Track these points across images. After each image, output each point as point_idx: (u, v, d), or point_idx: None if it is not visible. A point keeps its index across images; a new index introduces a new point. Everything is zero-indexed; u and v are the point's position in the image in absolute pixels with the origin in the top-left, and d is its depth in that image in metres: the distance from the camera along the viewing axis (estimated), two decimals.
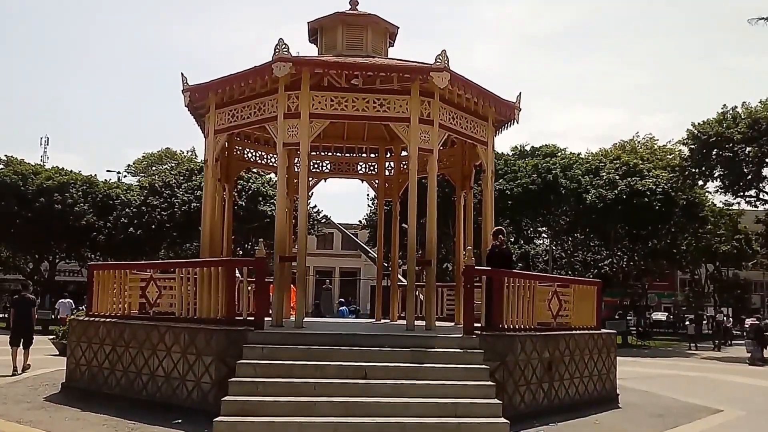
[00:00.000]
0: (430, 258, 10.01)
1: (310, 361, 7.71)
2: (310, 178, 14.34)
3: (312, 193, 34.71)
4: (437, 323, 10.43)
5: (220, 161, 12.41)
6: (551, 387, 9.17)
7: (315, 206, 36.20)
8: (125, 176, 46.07)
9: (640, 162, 29.00)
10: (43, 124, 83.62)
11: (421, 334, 8.73)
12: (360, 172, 14.54)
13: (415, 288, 10.31)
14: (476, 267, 8.76)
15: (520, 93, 11.83)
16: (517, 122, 11.87)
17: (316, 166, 14.39)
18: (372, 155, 14.49)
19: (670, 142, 42.47)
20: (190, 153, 47.32)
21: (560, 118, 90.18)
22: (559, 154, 30.32)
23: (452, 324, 12.36)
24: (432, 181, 10.35)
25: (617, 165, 28.50)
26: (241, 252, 27.40)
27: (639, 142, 46.61)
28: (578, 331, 10.10)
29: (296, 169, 13.71)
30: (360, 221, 38.10)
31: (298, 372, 7.53)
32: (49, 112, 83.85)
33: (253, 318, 8.44)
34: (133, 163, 52.91)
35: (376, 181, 14.51)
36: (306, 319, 13.73)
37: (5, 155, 29.56)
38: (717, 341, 28.77)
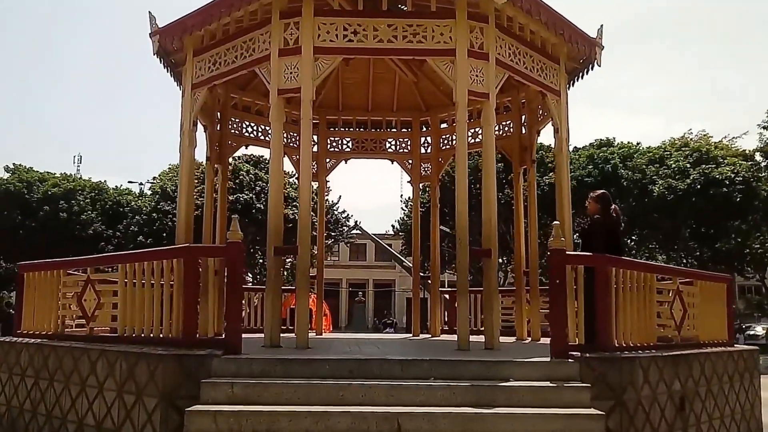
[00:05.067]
0: (489, 247, 6.98)
1: (309, 406, 4.72)
2: (328, 159, 11.51)
3: (335, 198, 32.10)
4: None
5: (210, 135, 9.70)
6: None
7: (344, 211, 33.45)
8: (149, 188, 44.20)
9: (713, 148, 25.18)
10: (85, 146, 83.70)
11: (483, 357, 5.64)
12: (389, 150, 11.58)
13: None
14: (570, 253, 5.67)
15: (601, 26, 8.78)
16: (599, 65, 8.77)
17: (334, 144, 11.54)
18: (404, 130, 11.55)
19: (725, 137, 38.31)
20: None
21: (594, 125, 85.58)
22: (617, 143, 26.75)
23: (514, 339, 9.27)
24: (489, 137, 7.35)
25: (687, 152, 24.76)
26: (261, 261, 24.74)
27: (692, 139, 42.48)
28: (713, 349, 6.87)
29: (314, 147, 10.92)
30: (392, 225, 34.94)
31: (286, 425, 4.55)
32: (91, 134, 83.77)
33: (223, 336, 5.51)
34: (159, 175, 51.18)
35: (410, 161, 11.51)
36: (323, 336, 10.87)
37: (13, 163, 27.64)
38: None
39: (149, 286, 5.72)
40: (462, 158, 7.17)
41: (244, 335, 5.71)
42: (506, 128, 10.20)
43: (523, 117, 10.00)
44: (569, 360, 5.31)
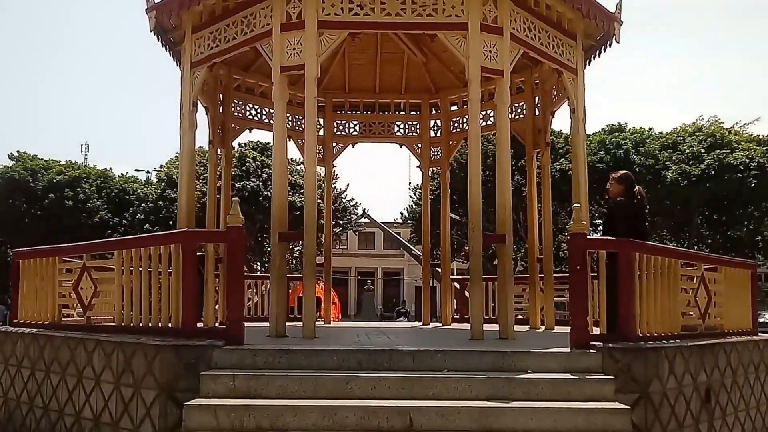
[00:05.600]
0: (503, 232, 6.67)
1: (315, 400, 4.45)
2: (335, 144, 11.19)
3: (343, 186, 31.69)
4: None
5: (212, 118, 9.39)
6: (711, 430, 5.67)
7: (352, 199, 33.19)
8: (155, 176, 43.99)
9: (727, 133, 24.64)
10: (92, 134, 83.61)
11: (499, 348, 5.35)
12: (397, 134, 11.26)
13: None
14: (591, 237, 5.35)
15: (620, 0, 8.38)
16: (618, 41, 8.38)
17: (341, 128, 11.21)
18: (413, 112, 11.22)
19: (737, 124, 37.38)
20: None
21: (600, 112, 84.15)
22: (629, 128, 26.23)
23: (527, 328, 8.97)
24: (503, 117, 7.01)
25: (700, 137, 24.24)
26: (269, 249, 24.50)
27: (703, 125, 41.64)
28: (738, 338, 6.55)
29: (320, 130, 10.62)
30: (401, 213, 34.63)
31: (290, 420, 4.28)
32: (98, 122, 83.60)
33: (225, 326, 5.24)
34: (166, 164, 50.95)
35: (419, 145, 11.18)
36: (331, 325, 10.59)
37: (17, 151, 27.42)
38: None
39: (146, 273, 5.46)
40: (475, 138, 6.85)
41: (251, 324, 5.46)
42: (519, 110, 9.84)
43: (537, 98, 9.64)
44: (591, 351, 5.00)
